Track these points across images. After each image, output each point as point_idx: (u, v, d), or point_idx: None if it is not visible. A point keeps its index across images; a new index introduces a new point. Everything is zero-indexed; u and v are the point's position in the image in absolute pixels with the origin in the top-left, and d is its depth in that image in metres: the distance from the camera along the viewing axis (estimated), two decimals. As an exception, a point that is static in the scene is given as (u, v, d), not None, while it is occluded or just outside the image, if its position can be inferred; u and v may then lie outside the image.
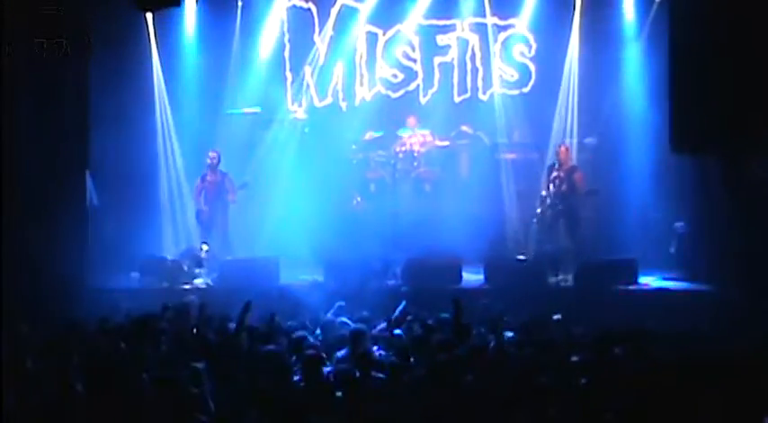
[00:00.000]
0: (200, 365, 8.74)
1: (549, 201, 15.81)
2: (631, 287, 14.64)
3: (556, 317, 11.58)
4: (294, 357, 9.41)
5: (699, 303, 13.50)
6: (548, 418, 7.86)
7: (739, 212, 14.18)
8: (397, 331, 10.73)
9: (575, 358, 9.21)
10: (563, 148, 16.13)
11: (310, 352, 9.15)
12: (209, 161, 16.53)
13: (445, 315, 10.98)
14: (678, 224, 15.76)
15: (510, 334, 10.42)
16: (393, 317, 11.28)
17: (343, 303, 12.08)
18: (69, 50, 13.75)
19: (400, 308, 11.61)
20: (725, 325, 11.28)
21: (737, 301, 12.88)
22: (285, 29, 18.18)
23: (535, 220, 15.98)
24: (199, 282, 15.41)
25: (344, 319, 11.04)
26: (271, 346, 9.41)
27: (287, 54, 18.24)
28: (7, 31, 13.18)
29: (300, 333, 10.17)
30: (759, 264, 13.49)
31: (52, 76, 14.14)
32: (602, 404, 7.84)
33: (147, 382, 8.38)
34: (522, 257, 15.61)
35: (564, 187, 15.73)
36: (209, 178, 16.55)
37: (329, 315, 11.55)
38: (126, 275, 15.67)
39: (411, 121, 17.96)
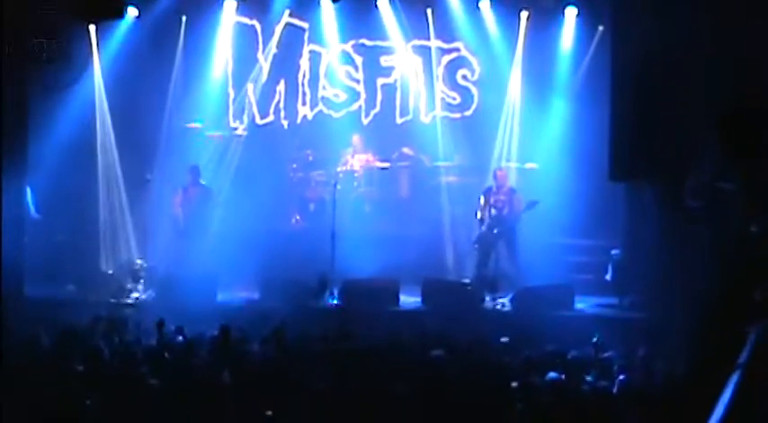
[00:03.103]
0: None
1: (487, 224, 15.84)
2: (567, 313, 14.71)
3: (503, 339, 11.64)
4: None
5: (634, 330, 13.60)
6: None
7: (673, 241, 14.31)
8: None
9: (514, 384, 9.31)
10: (500, 173, 16.22)
11: None
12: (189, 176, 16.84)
13: None
14: (614, 251, 15.89)
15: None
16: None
17: None
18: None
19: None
20: (660, 351, 11.36)
21: (672, 327, 12.99)
22: (229, 45, 18.14)
23: (475, 244, 15.98)
24: (135, 296, 15.28)
25: None
26: None
27: (230, 70, 18.23)
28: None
29: None
30: (691, 291, 13.62)
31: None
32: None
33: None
34: (464, 281, 15.60)
35: (505, 210, 15.80)
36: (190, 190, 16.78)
37: None
38: (62, 287, 15.50)
39: (355, 139, 17.98)
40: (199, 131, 17.99)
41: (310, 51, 18.38)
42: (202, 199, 16.85)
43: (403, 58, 18.25)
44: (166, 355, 10.46)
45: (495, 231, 15.73)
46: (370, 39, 18.20)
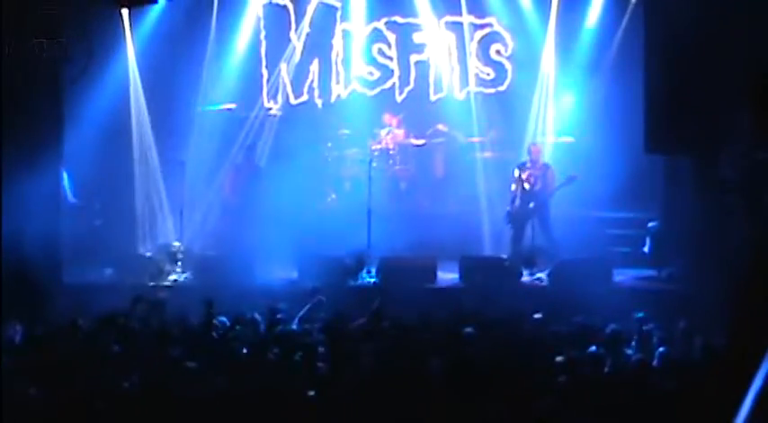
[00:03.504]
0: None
1: (519, 199, 15.81)
2: (605, 286, 14.65)
3: (537, 315, 11.64)
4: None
5: (673, 303, 13.55)
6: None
7: (710, 212, 14.24)
8: None
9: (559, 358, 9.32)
10: (535, 148, 16.17)
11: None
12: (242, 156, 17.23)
13: None
14: (651, 224, 15.83)
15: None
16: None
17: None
18: (45, 48, 13.66)
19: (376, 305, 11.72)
20: (699, 323, 11.32)
21: (710, 299, 12.94)
22: (261, 26, 18.17)
23: (507, 221, 15.94)
24: (173, 278, 15.37)
25: None
26: None
27: (263, 51, 18.23)
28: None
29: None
30: (730, 264, 13.55)
31: (26, 73, 14.04)
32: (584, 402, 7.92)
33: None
34: (502, 257, 15.58)
35: (538, 185, 15.78)
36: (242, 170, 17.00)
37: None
38: (100, 272, 15.61)
39: (388, 118, 17.98)
40: (232, 112, 18.02)
41: (343, 30, 18.35)
42: (254, 179, 16.92)
43: (435, 34, 18.21)
44: (214, 334, 10.56)
45: (531, 206, 15.70)
46: (402, 16, 18.14)
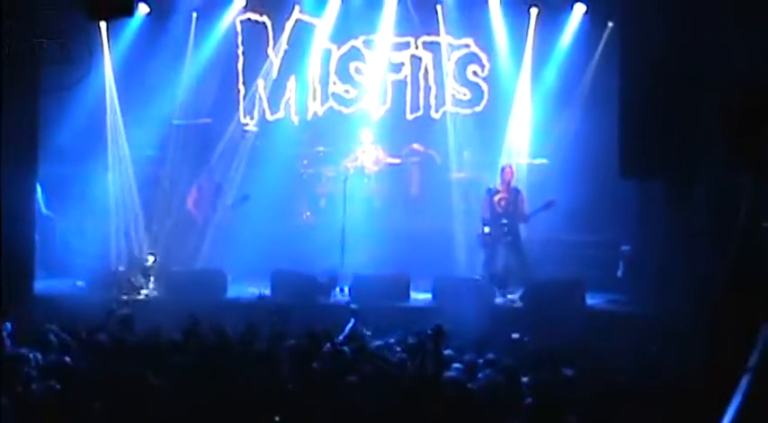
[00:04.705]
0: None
1: (491, 223, 15.83)
2: (578, 308, 14.67)
3: (514, 336, 11.66)
4: None
5: (643, 326, 13.57)
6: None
7: (684, 236, 14.30)
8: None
9: (524, 379, 9.30)
10: (508, 170, 16.20)
11: None
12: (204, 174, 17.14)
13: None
14: (624, 247, 15.89)
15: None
16: (342, 335, 11.31)
17: None
18: (18, 56, 13.56)
19: (350, 326, 11.63)
20: (671, 347, 11.35)
21: (683, 324, 12.98)
22: (239, 41, 18.17)
23: (480, 241, 15.96)
24: (144, 292, 15.31)
25: None
26: None
27: (240, 66, 18.24)
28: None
29: None
30: (703, 288, 13.61)
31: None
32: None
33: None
34: (475, 277, 15.58)
35: (510, 208, 15.82)
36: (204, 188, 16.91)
37: None
38: (72, 284, 15.53)
39: (366, 135, 17.98)
40: (209, 127, 18.01)
41: (321, 47, 18.36)
42: (215, 197, 16.90)
43: (413, 53, 18.25)
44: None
45: (504, 229, 15.71)
46: (380, 35, 18.16)
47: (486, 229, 15.79)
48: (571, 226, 16.53)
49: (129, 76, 17.34)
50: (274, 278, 15.15)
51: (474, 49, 18.05)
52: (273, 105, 18.39)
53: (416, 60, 18.30)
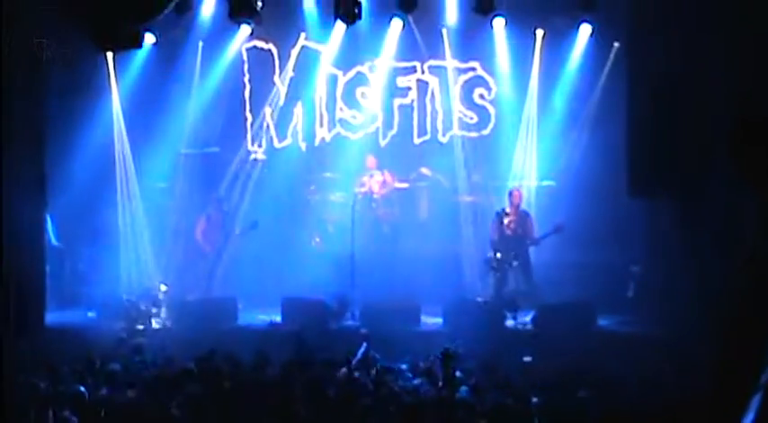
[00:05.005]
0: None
1: (501, 246, 15.86)
2: (589, 330, 14.65)
3: (526, 359, 11.65)
4: None
5: (655, 346, 13.54)
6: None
7: (693, 256, 14.27)
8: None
9: (534, 400, 9.29)
10: (516, 193, 16.24)
11: None
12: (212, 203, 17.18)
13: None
14: (634, 267, 15.86)
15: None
16: (355, 359, 11.31)
17: None
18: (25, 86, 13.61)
19: (362, 351, 11.63)
20: (679, 370, 11.33)
21: (690, 344, 12.96)
22: (245, 69, 18.23)
23: (490, 264, 15.95)
24: (156, 322, 15.32)
25: None
26: None
27: (247, 94, 18.29)
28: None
29: None
30: (713, 307, 13.58)
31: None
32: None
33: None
34: (485, 300, 15.57)
35: (519, 231, 15.86)
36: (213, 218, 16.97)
37: None
38: (83, 314, 15.57)
39: (370, 161, 18.00)
40: (217, 156, 18.06)
41: (327, 74, 18.42)
42: (224, 228, 16.96)
43: (419, 78, 18.30)
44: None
45: (513, 252, 15.74)
46: (385, 60, 18.21)
47: (498, 255, 15.80)
48: (580, 247, 16.50)
49: (137, 107, 17.44)
50: (285, 305, 15.17)
51: (480, 72, 18.05)
52: (281, 132, 18.42)
53: (423, 84, 18.33)
